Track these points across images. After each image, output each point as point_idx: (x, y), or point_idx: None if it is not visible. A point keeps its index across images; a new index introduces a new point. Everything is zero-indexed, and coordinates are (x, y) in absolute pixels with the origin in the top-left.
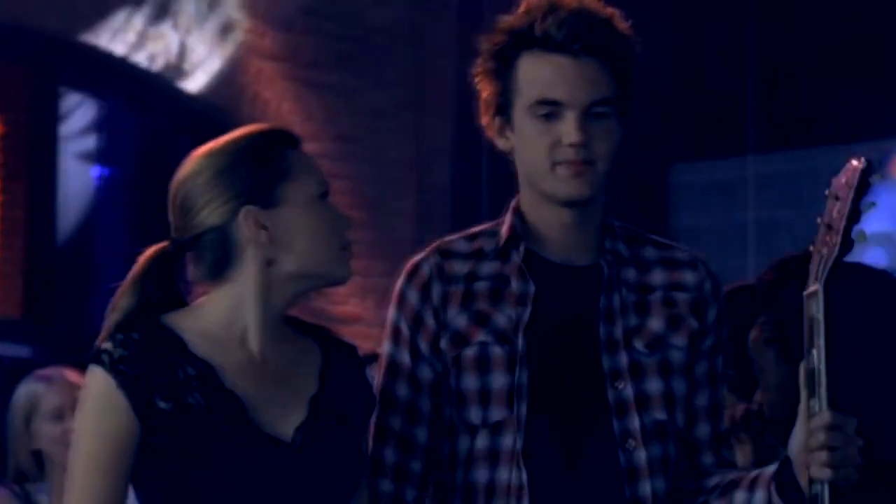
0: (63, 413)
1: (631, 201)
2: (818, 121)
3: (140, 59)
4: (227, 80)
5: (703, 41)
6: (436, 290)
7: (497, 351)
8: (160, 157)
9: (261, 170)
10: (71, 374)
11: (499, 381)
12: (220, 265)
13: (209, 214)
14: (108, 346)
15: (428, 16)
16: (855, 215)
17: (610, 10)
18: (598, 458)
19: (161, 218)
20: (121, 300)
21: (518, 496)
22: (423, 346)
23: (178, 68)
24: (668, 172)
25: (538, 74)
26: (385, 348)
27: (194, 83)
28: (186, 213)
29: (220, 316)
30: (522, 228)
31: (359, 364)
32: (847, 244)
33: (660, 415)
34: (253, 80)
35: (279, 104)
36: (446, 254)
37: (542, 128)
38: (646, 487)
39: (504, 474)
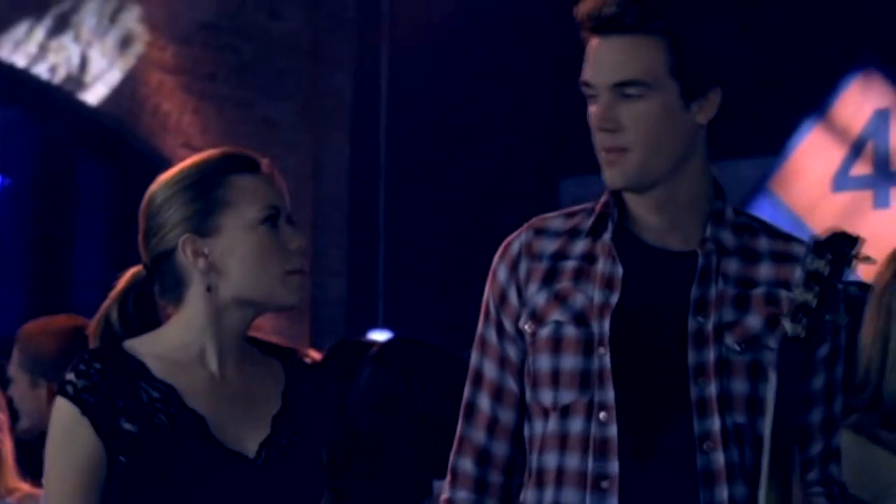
0: None
1: (522, 215)
2: None
3: (41, 70)
4: (128, 92)
5: None
6: (522, 268)
7: (570, 331)
8: (60, 168)
9: (200, 199)
10: None
11: (569, 362)
12: (175, 289)
13: (159, 241)
14: (71, 377)
15: (326, 30)
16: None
17: None
18: (674, 456)
19: (60, 228)
20: (99, 323)
21: (592, 484)
22: (508, 324)
23: (78, 80)
24: (557, 187)
25: (586, 57)
26: (479, 325)
27: (95, 95)
28: (144, 238)
29: (178, 338)
30: (621, 207)
31: (321, 383)
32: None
33: (740, 418)
34: (153, 93)
35: (179, 116)
36: (538, 231)
37: (590, 107)
38: (723, 493)
39: (573, 460)
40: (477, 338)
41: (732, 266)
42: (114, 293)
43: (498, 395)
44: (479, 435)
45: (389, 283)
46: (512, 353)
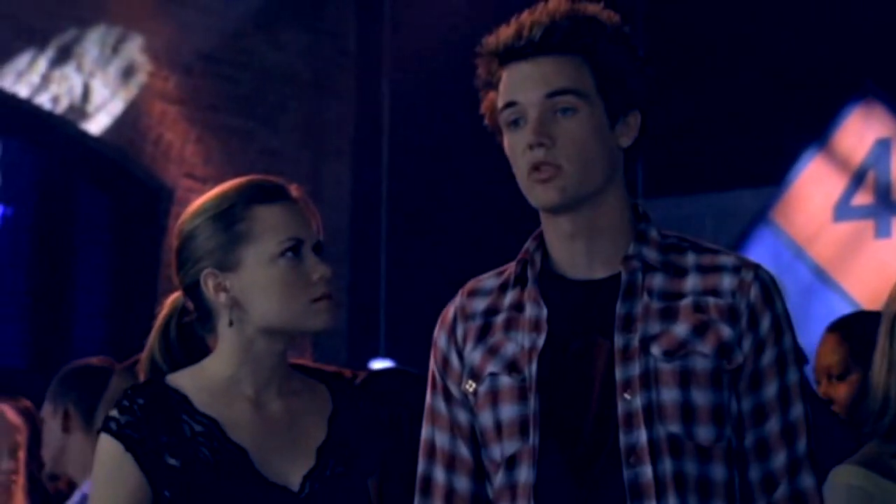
0: None
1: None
2: (703, 167)
3: (43, 100)
4: (130, 122)
5: None
6: (459, 331)
7: (505, 381)
8: (62, 198)
9: (221, 232)
10: (9, 412)
11: (508, 412)
12: (208, 320)
13: (185, 275)
14: (114, 413)
15: (327, 60)
16: None
17: (590, 8)
18: (605, 478)
19: (61, 258)
20: (146, 357)
21: None
22: (454, 388)
23: (80, 110)
24: None
25: (504, 85)
26: (427, 397)
27: (97, 125)
28: (176, 269)
29: (218, 370)
30: (543, 250)
31: (370, 407)
32: None
33: (674, 427)
34: (155, 123)
35: (181, 146)
36: (471, 292)
37: (512, 135)
38: None
39: None
40: (426, 409)
41: (658, 281)
42: (156, 324)
43: (451, 464)
44: None
45: (391, 312)
46: (462, 418)
